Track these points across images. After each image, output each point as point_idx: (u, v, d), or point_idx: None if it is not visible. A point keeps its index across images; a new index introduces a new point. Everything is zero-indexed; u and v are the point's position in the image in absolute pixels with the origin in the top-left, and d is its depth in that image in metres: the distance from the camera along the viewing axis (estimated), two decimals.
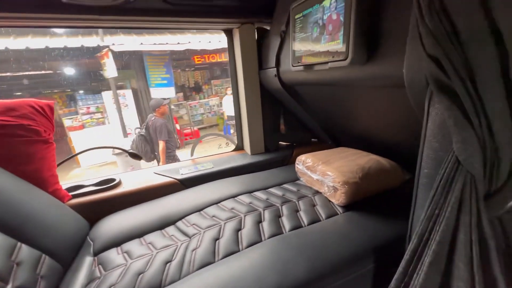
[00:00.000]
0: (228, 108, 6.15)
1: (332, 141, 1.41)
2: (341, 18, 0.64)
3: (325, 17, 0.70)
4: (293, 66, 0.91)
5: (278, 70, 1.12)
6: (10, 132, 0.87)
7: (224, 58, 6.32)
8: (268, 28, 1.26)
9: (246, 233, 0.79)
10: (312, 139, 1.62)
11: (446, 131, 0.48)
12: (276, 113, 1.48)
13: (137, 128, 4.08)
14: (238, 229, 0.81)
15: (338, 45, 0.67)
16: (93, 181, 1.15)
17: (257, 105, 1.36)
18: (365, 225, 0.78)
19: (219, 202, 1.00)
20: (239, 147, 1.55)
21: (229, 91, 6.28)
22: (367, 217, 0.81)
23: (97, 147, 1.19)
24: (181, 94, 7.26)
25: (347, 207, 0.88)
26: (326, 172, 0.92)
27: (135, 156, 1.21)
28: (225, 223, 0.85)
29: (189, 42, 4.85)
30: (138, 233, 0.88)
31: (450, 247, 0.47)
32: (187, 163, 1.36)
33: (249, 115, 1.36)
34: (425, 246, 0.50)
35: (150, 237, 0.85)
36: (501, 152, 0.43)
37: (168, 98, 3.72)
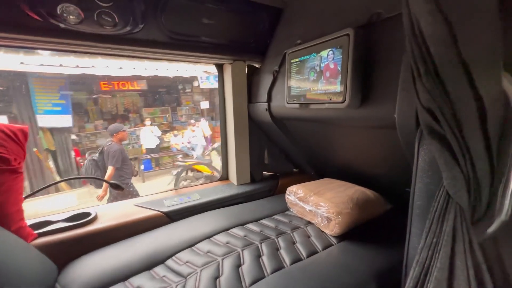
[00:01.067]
0: (146, 141, 5.88)
1: (315, 172, 1.49)
2: (339, 68, 0.74)
3: (322, 65, 0.81)
4: (288, 104, 0.99)
5: (269, 105, 1.19)
6: None
7: (137, 86, 6.12)
8: (257, 65, 1.36)
9: (247, 269, 0.76)
10: (294, 170, 1.69)
11: (436, 168, 0.57)
12: (261, 145, 1.53)
13: (91, 152, 3.81)
14: (238, 265, 0.78)
15: (335, 90, 0.77)
16: (63, 216, 1.01)
17: (245, 137, 1.39)
18: (361, 254, 0.82)
19: (211, 236, 0.96)
20: (224, 177, 1.54)
21: (148, 121, 6.04)
22: (361, 246, 0.86)
23: (73, 178, 1.07)
24: (100, 122, 6.34)
25: (339, 237, 0.92)
26: (319, 203, 0.96)
27: (116, 187, 1.12)
28: (222, 259, 0.81)
29: (93, 66, 4.14)
30: (121, 276, 0.78)
31: (449, 273, 0.53)
32: (171, 193, 1.29)
33: (237, 146, 1.38)
34: (427, 273, 0.56)
35: (136, 280, 0.77)
36: (482, 186, 0.52)
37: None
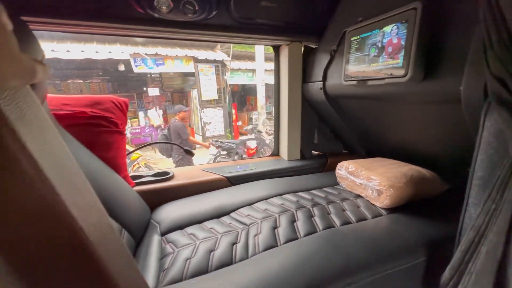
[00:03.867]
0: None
1: (366, 153, 1.50)
2: (402, 42, 0.76)
3: (384, 41, 0.83)
4: (345, 81, 1.03)
5: (324, 84, 1.24)
6: (97, 122, 1.01)
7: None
8: (313, 46, 1.40)
9: (300, 225, 0.87)
10: (343, 150, 1.72)
11: (501, 139, 0.57)
12: (312, 124, 1.59)
13: (161, 129, 4.59)
14: (292, 221, 0.90)
15: (397, 64, 0.79)
16: (150, 173, 1.27)
17: (298, 115, 1.47)
18: (411, 224, 0.85)
19: (267, 198, 1.10)
20: (275, 153, 1.66)
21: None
22: (411, 218, 0.89)
23: (154, 142, 1.31)
24: None
25: (390, 209, 0.96)
26: (370, 177, 1.00)
27: (188, 152, 1.34)
28: (279, 216, 0.94)
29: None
30: (198, 220, 0.98)
31: (506, 237, 0.55)
32: (230, 163, 1.47)
33: (290, 124, 1.47)
34: (481, 236, 0.58)
35: (209, 224, 0.95)
36: None
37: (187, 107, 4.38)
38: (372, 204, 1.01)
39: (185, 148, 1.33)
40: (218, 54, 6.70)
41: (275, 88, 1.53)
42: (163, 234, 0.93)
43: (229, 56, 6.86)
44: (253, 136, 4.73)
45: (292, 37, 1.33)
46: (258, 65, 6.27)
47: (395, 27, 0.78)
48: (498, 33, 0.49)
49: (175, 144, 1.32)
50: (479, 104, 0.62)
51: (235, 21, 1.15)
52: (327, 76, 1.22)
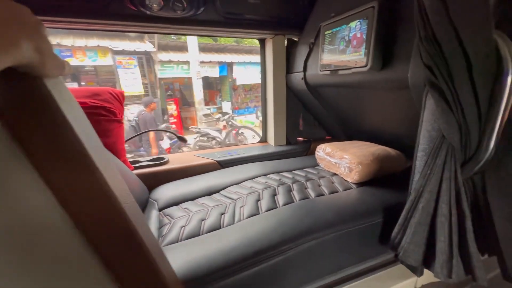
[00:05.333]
0: None
1: (345, 137, 1.63)
2: (364, 36, 0.88)
3: (351, 35, 0.95)
4: (321, 71, 1.15)
5: (305, 74, 1.36)
6: (97, 111, 1.11)
7: None
8: (295, 39, 1.51)
9: (280, 197, 1.01)
10: (326, 136, 1.85)
11: (436, 116, 0.71)
12: (297, 112, 1.71)
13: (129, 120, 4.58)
14: (274, 195, 1.04)
15: (360, 56, 0.91)
16: (147, 158, 1.38)
17: (283, 104, 1.60)
18: (375, 193, 1.00)
19: (253, 178, 1.23)
20: (263, 140, 1.79)
21: None
22: (376, 189, 1.03)
23: (153, 130, 1.42)
24: None
25: (359, 184, 1.10)
26: (343, 156, 1.14)
27: (181, 139, 1.45)
28: (262, 191, 1.07)
29: None
30: (192, 197, 1.11)
31: (436, 194, 0.69)
32: (221, 149, 1.60)
33: (275, 112, 1.59)
34: (420, 196, 0.72)
35: (202, 200, 1.08)
36: (471, 131, 0.65)
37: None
38: (345, 180, 1.15)
39: (178, 135, 1.45)
40: (147, 45, 6.15)
41: (262, 79, 1.64)
42: (160, 209, 1.05)
43: (156, 47, 6.34)
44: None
45: (276, 31, 1.43)
46: (192, 56, 5.92)
47: (359, 23, 0.90)
48: (425, 30, 0.61)
49: (168, 131, 1.41)
50: (422, 88, 0.75)
51: (222, 17, 1.25)
52: (307, 67, 1.34)
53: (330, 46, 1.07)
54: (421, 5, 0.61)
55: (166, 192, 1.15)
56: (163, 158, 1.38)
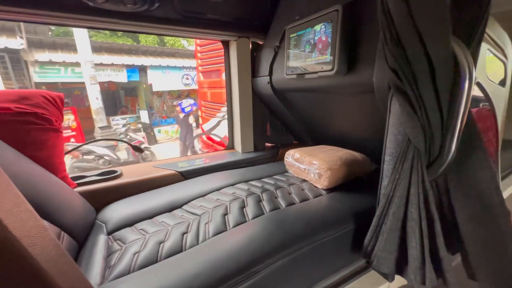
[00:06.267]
0: None
1: (313, 142, 1.63)
2: (329, 40, 0.87)
3: (316, 38, 0.92)
4: (287, 75, 1.12)
5: (270, 78, 1.32)
6: (26, 119, 0.91)
7: None
8: (260, 42, 1.47)
9: (250, 209, 0.93)
10: (294, 141, 1.84)
11: (401, 121, 0.70)
12: (264, 117, 1.67)
13: None
14: (242, 207, 0.96)
15: (326, 60, 0.89)
16: (95, 172, 1.19)
17: (249, 109, 1.54)
18: (344, 199, 0.98)
19: (220, 189, 1.13)
20: (230, 147, 1.70)
21: None
22: (345, 194, 1.02)
23: (101, 139, 1.24)
24: None
25: (329, 189, 1.08)
26: (312, 162, 1.11)
27: (137, 149, 1.29)
28: (230, 203, 0.98)
29: None
30: (149, 215, 0.97)
31: (406, 199, 0.68)
32: (184, 158, 1.47)
33: (242, 118, 1.52)
34: (390, 202, 0.71)
35: (161, 218, 0.95)
36: (434, 135, 0.66)
37: None
38: (315, 186, 1.12)
39: (133, 144, 1.28)
40: (17, 41, 5.04)
41: (227, 84, 1.56)
42: (110, 233, 0.89)
43: (33, 44, 5.11)
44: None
45: (240, 33, 1.37)
46: (82, 57, 4.94)
47: (323, 26, 0.88)
48: (390, 32, 0.60)
49: (124, 142, 1.25)
50: (387, 92, 0.75)
51: (180, 15, 1.15)
52: (273, 71, 1.30)
53: (296, 50, 1.04)
54: (386, 8, 0.60)
55: (117, 211, 0.99)
56: (114, 171, 1.21)
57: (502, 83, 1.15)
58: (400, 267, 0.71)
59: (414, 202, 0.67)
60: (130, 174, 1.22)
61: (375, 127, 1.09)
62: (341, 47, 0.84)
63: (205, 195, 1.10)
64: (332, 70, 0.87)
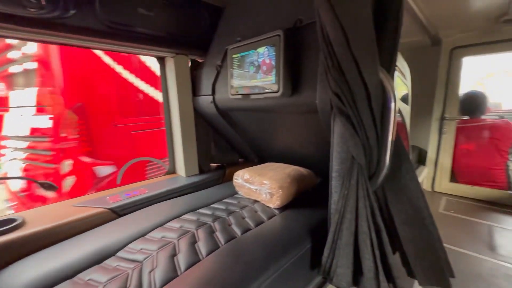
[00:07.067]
0: None
1: (259, 159, 1.64)
2: (273, 62, 0.89)
3: (259, 60, 0.93)
4: (232, 95, 1.09)
5: (214, 97, 1.27)
6: None
7: None
8: (199, 60, 1.42)
9: (202, 244, 0.83)
10: (239, 160, 1.81)
11: (345, 139, 0.76)
12: (208, 137, 1.59)
13: None
14: (193, 242, 0.85)
15: (271, 81, 0.91)
16: None
17: (192, 129, 1.43)
18: (298, 217, 0.99)
19: (163, 224, 0.99)
20: (171, 171, 1.54)
21: None
22: (298, 212, 1.03)
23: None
24: None
25: (281, 208, 1.08)
26: (263, 182, 1.10)
27: (48, 186, 1.01)
28: (178, 240, 0.86)
29: None
30: (68, 274, 0.75)
31: (355, 213, 0.72)
32: (114, 190, 1.24)
33: (184, 138, 1.41)
34: (343, 217, 0.74)
35: (87, 275, 0.75)
36: (373, 151, 0.73)
37: None
38: (267, 207, 1.10)
39: (42, 182, 1.00)
40: None
41: (164, 103, 1.43)
42: None
43: None
44: None
45: (177, 50, 1.29)
46: None
47: (266, 49, 0.90)
48: (331, 60, 0.65)
49: (29, 179, 0.94)
50: (329, 113, 0.80)
51: (104, 26, 1.00)
52: (216, 90, 1.26)
53: (240, 70, 1.03)
54: (327, 38, 0.65)
55: (21, 275, 0.74)
56: (13, 220, 0.91)
57: (406, 101, 1.41)
58: (357, 279, 0.74)
59: (363, 215, 0.71)
60: (37, 220, 0.94)
61: (318, 144, 1.16)
62: (285, 70, 0.87)
63: (146, 233, 0.93)
64: (277, 91, 0.89)
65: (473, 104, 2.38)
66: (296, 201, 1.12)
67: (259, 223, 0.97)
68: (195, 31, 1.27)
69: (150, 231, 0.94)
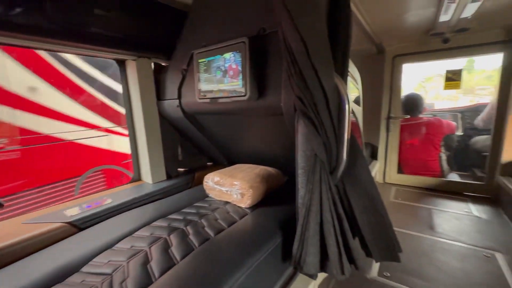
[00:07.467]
0: None
1: (228, 161, 1.66)
2: (239, 68, 0.93)
3: (226, 65, 0.97)
4: (200, 99, 1.10)
5: (180, 101, 1.26)
6: None
7: None
8: (163, 63, 1.39)
9: (176, 249, 0.83)
10: (208, 163, 1.81)
11: (308, 139, 0.83)
12: (174, 141, 1.56)
13: None
14: (166, 248, 0.84)
15: (238, 86, 0.95)
16: None
17: (157, 134, 1.39)
18: (268, 214, 1.04)
19: (133, 233, 0.95)
20: (136, 179, 1.47)
21: None
22: (267, 209, 1.08)
23: None
24: None
25: (252, 207, 1.12)
26: (233, 183, 1.13)
27: None
28: (149, 247, 0.84)
29: None
30: None
31: (320, 206, 0.80)
32: (72, 202, 1.14)
33: (149, 143, 1.36)
34: (309, 210, 0.81)
35: None
36: (332, 148, 0.82)
37: None
38: (239, 207, 1.13)
39: None
40: None
41: (126, 107, 1.37)
42: None
43: None
44: None
45: (139, 52, 1.25)
46: None
47: (232, 55, 0.94)
48: (294, 67, 0.71)
49: None
50: (293, 115, 0.87)
51: (57, 25, 0.93)
52: (182, 94, 1.25)
53: (206, 75, 1.05)
54: (289, 47, 0.71)
55: None
56: None
57: (358, 103, 1.58)
58: (324, 265, 0.82)
59: (327, 206, 0.79)
60: None
61: (283, 144, 1.23)
62: (251, 75, 0.92)
63: (113, 245, 0.89)
64: (245, 95, 0.93)
65: (412, 105, 2.75)
66: (266, 199, 1.18)
67: (231, 223, 0.99)
68: (158, 34, 1.25)
69: (117, 242, 0.90)
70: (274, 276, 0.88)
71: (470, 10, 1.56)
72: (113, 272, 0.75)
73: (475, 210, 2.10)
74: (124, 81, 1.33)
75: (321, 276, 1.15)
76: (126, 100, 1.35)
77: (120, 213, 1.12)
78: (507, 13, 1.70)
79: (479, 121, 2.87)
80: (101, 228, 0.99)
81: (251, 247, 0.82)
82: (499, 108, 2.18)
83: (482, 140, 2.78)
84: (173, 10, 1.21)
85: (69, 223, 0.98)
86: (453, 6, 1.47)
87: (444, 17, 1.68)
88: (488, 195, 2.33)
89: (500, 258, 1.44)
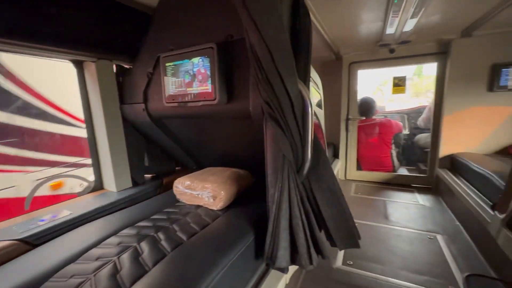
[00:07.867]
0: None
1: (197, 165, 1.64)
2: (208, 73, 0.95)
3: (195, 69, 0.98)
4: (168, 103, 1.09)
5: (146, 105, 1.22)
6: None
7: None
8: (126, 66, 1.34)
9: (147, 257, 0.81)
10: (176, 168, 1.77)
11: (276, 140, 0.89)
12: (140, 146, 1.50)
13: None
14: (136, 257, 0.81)
15: (207, 90, 0.97)
16: None
17: (121, 140, 1.33)
18: (240, 214, 1.07)
19: (98, 244, 0.90)
20: (98, 187, 1.38)
21: None
22: (239, 209, 1.11)
23: None
24: None
25: (224, 209, 1.14)
26: (204, 186, 1.13)
27: None
28: (118, 257, 0.81)
29: None
30: None
31: (289, 202, 0.86)
32: (24, 218, 1.03)
33: (112, 149, 1.29)
34: (279, 208, 0.87)
35: None
36: (298, 148, 0.88)
37: None
38: (211, 210, 1.14)
39: None
40: None
41: (85, 112, 1.28)
42: None
43: None
44: None
45: (99, 54, 1.18)
46: None
47: (201, 60, 0.96)
48: (261, 74, 0.76)
49: None
50: (261, 118, 0.91)
51: (2, 23, 0.84)
52: (148, 98, 1.22)
53: (174, 78, 1.04)
54: (255, 54, 0.76)
55: None
56: None
57: (320, 106, 1.70)
58: (294, 258, 0.87)
59: (295, 202, 0.85)
60: None
61: (252, 146, 1.28)
62: (220, 79, 0.94)
63: (78, 257, 0.83)
64: (214, 99, 0.95)
65: (366, 107, 3.03)
66: (237, 200, 1.21)
67: (204, 226, 1.00)
68: (121, 35, 1.20)
69: (82, 255, 0.84)
70: (248, 274, 0.91)
71: (410, 25, 1.81)
72: (78, 286, 0.71)
73: (421, 199, 2.40)
74: (82, 84, 1.24)
75: (291, 270, 1.21)
76: (85, 103, 1.27)
77: (82, 225, 1.04)
78: (437, 29, 2.00)
79: (420, 121, 3.30)
80: (59, 242, 0.91)
81: (224, 247, 0.84)
82: (436, 110, 2.53)
83: (423, 138, 3.19)
84: (136, 11, 1.18)
85: (20, 240, 0.89)
86: (396, 20, 1.68)
87: (389, 30, 1.91)
88: (430, 186, 2.68)
89: (440, 238, 1.68)
